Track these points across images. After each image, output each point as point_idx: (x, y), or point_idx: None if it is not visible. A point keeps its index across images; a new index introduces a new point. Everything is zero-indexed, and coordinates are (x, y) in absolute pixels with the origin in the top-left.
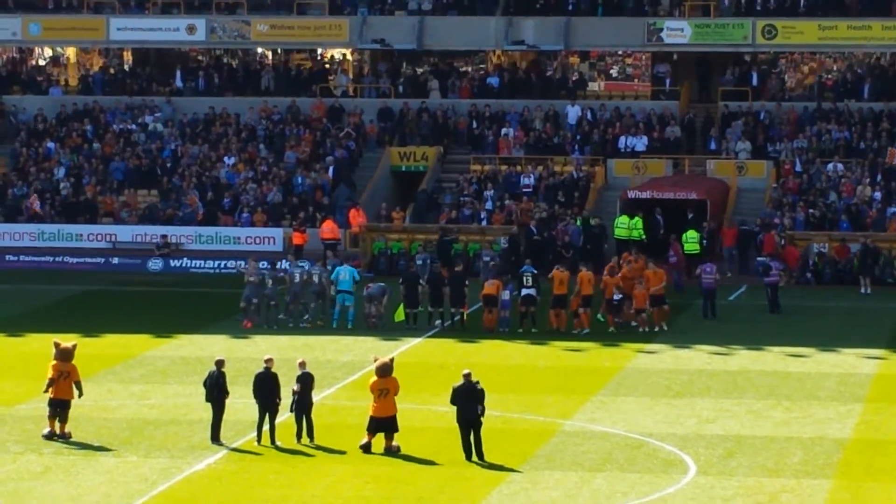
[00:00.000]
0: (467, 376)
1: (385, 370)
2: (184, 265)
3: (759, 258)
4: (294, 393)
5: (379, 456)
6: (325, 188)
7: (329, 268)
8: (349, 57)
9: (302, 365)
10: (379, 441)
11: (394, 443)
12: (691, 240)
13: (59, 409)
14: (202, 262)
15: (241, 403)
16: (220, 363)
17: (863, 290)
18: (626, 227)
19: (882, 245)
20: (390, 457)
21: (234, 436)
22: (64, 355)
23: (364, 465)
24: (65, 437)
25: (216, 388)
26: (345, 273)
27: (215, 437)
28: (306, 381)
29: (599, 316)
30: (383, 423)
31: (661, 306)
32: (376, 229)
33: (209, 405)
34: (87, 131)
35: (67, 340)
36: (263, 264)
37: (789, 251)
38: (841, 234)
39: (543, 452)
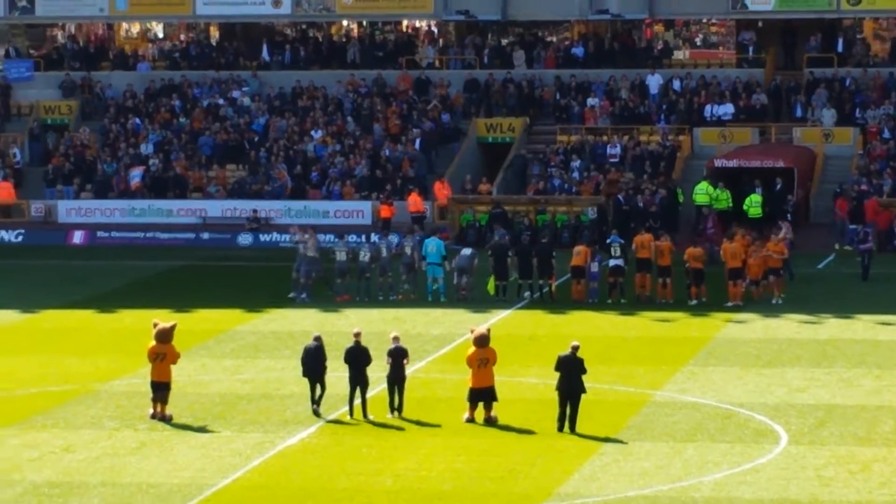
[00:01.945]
0: (575, 348)
1: (483, 340)
2: (273, 239)
3: (852, 225)
4: (389, 366)
5: (471, 427)
6: (413, 160)
7: (417, 240)
8: (434, 28)
9: (395, 339)
10: (479, 412)
11: (493, 413)
12: (755, 203)
13: (157, 391)
14: (292, 235)
15: (334, 377)
16: (318, 338)
17: None
18: (705, 192)
19: None
20: (489, 427)
21: (327, 410)
22: (160, 336)
23: (455, 438)
24: (165, 419)
25: (316, 362)
26: (433, 246)
27: (317, 411)
28: (399, 355)
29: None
30: (483, 394)
31: (778, 277)
32: (464, 201)
33: (305, 380)
34: (175, 106)
35: (165, 320)
36: (352, 238)
37: (884, 216)
38: None
39: (634, 423)
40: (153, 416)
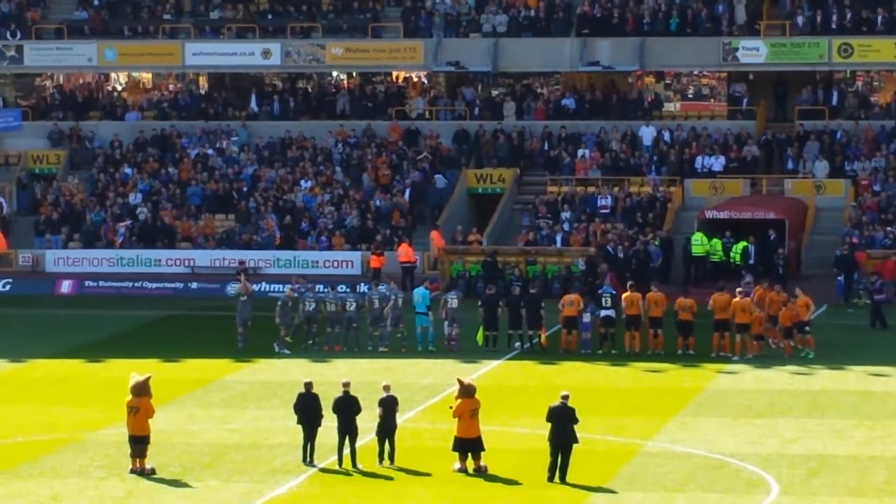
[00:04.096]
0: (565, 398)
1: (470, 391)
2: (262, 289)
3: (839, 277)
4: (380, 416)
5: (461, 477)
6: (403, 211)
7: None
8: (424, 80)
9: (386, 388)
10: (467, 462)
11: (482, 462)
12: (737, 251)
13: (134, 445)
14: (281, 286)
15: (323, 427)
16: (309, 385)
17: None
18: (701, 244)
19: None
20: (479, 477)
21: (315, 459)
22: (134, 390)
23: (445, 488)
24: (144, 473)
25: (309, 410)
26: (418, 296)
27: (310, 459)
28: (390, 404)
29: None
30: (470, 444)
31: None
32: (455, 251)
33: (297, 428)
34: (163, 156)
35: (145, 372)
36: (341, 288)
37: (888, 266)
38: None
39: (625, 473)
40: (132, 471)
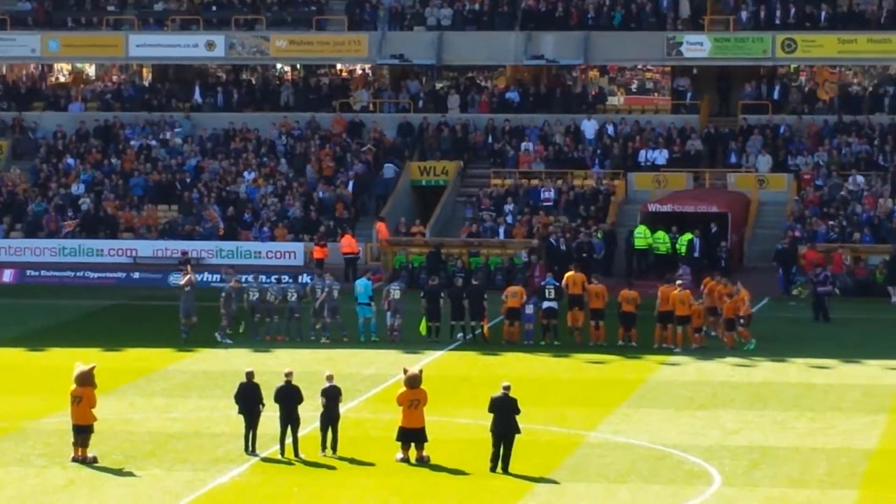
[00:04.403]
0: (506, 388)
1: (414, 381)
2: (205, 279)
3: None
4: (323, 406)
5: (404, 467)
6: (346, 202)
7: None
8: (368, 72)
9: (329, 378)
10: (411, 452)
11: (424, 453)
12: (682, 243)
13: (77, 433)
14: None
15: (264, 416)
16: (250, 374)
17: (893, 300)
18: (644, 237)
19: None
20: (421, 467)
21: (257, 448)
22: (78, 380)
23: (388, 478)
24: (86, 461)
25: (250, 399)
26: (361, 286)
27: (252, 449)
28: (333, 394)
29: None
30: (413, 434)
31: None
32: (398, 243)
33: (239, 418)
34: (106, 147)
35: (95, 359)
36: (285, 279)
37: (836, 259)
38: (864, 246)
39: (568, 464)
40: (74, 460)
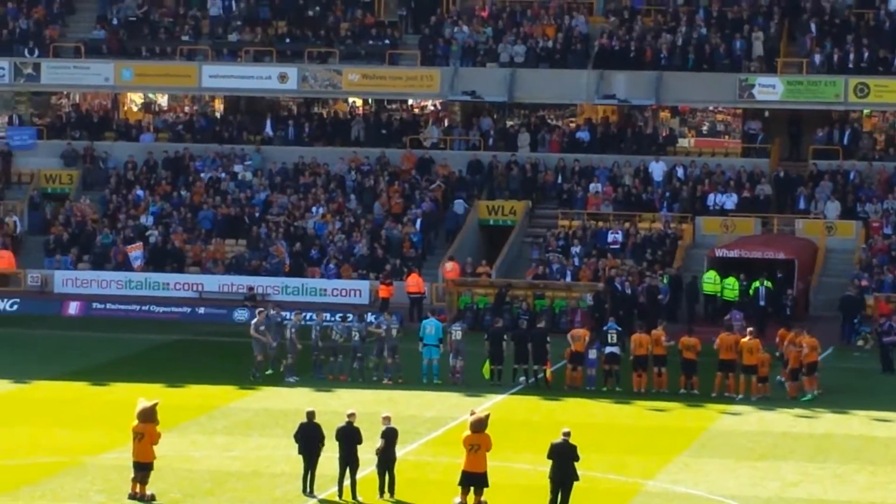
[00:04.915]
0: (566, 434)
1: (479, 426)
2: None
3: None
4: (378, 448)
5: None
6: (413, 241)
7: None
8: (439, 108)
9: (386, 420)
10: (470, 497)
11: (482, 498)
12: (731, 286)
13: (137, 470)
14: (288, 313)
15: (324, 457)
16: (311, 414)
17: None
18: (714, 282)
19: None
20: None
21: (315, 489)
22: (141, 416)
23: None
24: (143, 499)
25: (311, 440)
26: (431, 327)
27: (310, 490)
28: (390, 436)
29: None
30: (473, 478)
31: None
32: (464, 283)
33: (299, 458)
34: (176, 179)
35: (157, 395)
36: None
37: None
38: None
39: None
40: (132, 497)
